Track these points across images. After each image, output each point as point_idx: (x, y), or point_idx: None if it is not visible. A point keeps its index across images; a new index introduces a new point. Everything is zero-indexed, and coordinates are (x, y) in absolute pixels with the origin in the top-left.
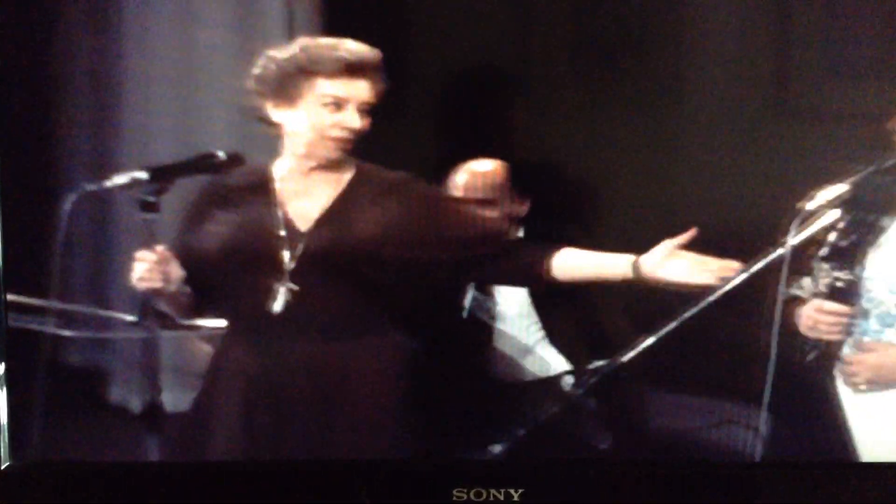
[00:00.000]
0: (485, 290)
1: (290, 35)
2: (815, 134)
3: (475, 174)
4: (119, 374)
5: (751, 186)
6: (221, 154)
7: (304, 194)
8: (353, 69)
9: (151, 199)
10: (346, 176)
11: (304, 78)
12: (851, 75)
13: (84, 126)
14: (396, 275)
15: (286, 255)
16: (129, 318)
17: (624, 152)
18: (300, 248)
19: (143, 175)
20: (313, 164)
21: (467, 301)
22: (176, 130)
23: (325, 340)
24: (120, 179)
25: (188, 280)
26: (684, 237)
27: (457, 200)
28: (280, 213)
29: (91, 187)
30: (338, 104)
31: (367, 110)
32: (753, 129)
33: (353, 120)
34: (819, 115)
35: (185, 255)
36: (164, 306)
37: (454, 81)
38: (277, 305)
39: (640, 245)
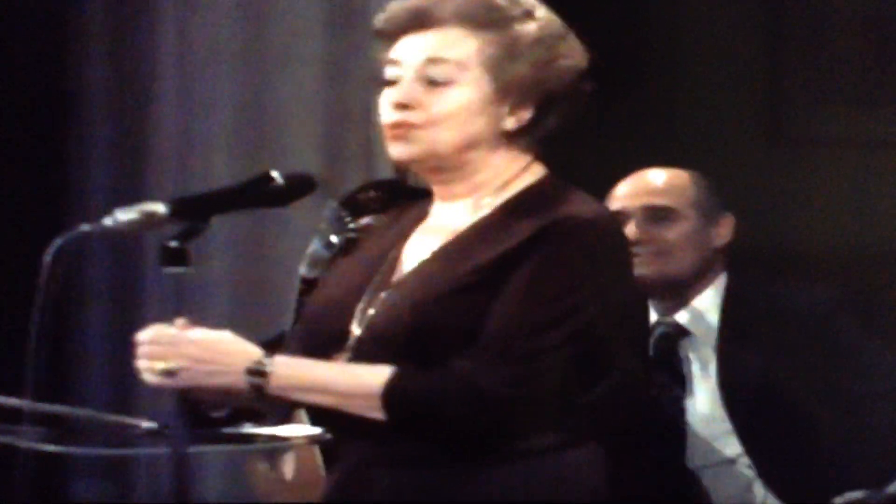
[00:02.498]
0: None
1: None
2: (806, 159)
3: None
4: None
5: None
6: (278, 177)
7: (426, 233)
8: (422, 21)
9: (174, 244)
10: (491, 206)
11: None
12: (842, 102)
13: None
14: None
15: (356, 318)
16: (147, 424)
17: (617, 176)
18: (368, 314)
19: (160, 209)
20: (435, 191)
21: None
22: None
23: (407, 466)
24: (125, 215)
25: None
26: None
27: None
28: (390, 259)
29: (85, 228)
30: (397, 76)
31: (447, 80)
32: (745, 155)
33: (398, 91)
34: (810, 141)
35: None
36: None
37: None
38: None
39: None
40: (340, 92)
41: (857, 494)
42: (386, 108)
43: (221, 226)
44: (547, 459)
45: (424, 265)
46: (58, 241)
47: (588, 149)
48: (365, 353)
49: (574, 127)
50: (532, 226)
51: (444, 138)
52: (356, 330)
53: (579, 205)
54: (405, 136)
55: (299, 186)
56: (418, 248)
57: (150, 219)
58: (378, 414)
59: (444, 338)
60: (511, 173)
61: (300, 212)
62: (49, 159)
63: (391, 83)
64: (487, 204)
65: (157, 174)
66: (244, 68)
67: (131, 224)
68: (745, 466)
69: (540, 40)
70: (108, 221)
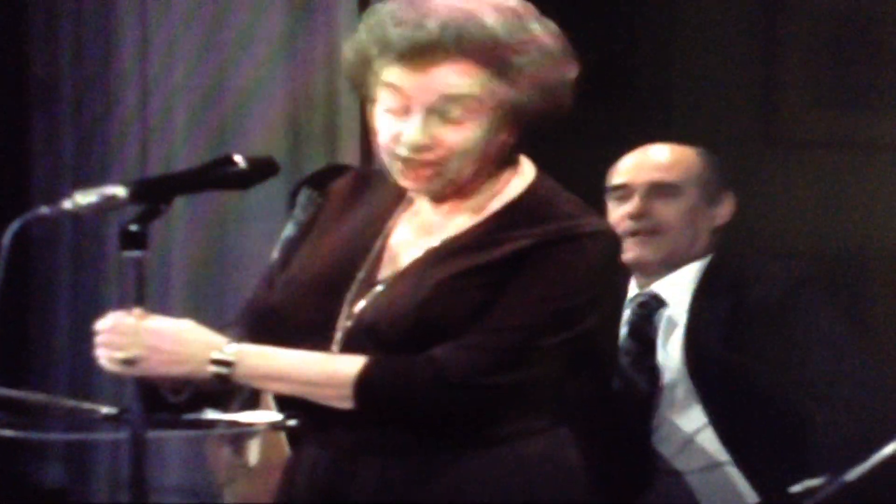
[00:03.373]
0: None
1: None
2: (800, 161)
3: None
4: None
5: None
6: (240, 160)
7: (415, 230)
8: (422, 50)
9: (134, 228)
10: (489, 210)
11: (371, 63)
12: (836, 104)
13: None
14: None
15: (343, 314)
16: (106, 409)
17: None
18: (356, 309)
19: (119, 191)
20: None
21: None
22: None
23: (396, 455)
24: (85, 198)
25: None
26: None
27: None
28: (376, 249)
29: (44, 210)
30: (402, 106)
31: (460, 117)
32: (739, 157)
33: (415, 131)
34: (804, 143)
35: (261, 298)
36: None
37: None
38: None
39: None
40: (303, 74)
41: (815, 482)
42: (397, 143)
43: (182, 210)
44: (527, 443)
45: (420, 263)
46: (15, 224)
47: (583, 150)
48: (355, 345)
49: (569, 128)
50: (535, 233)
51: (461, 169)
52: (344, 322)
53: (581, 215)
54: (432, 177)
55: (261, 169)
56: (408, 245)
57: (109, 201)
58: (347, 403)
59: (443, 336)
60: (505, 176)
61: (259, 196)
62: (12, 147)
63: (391, 108)
64: (483, 207)
65: (118, 159)
66: (205, 51)
67: (90, 207)
68: (729, 466)
69: (540, 68)
70: (67, 204)
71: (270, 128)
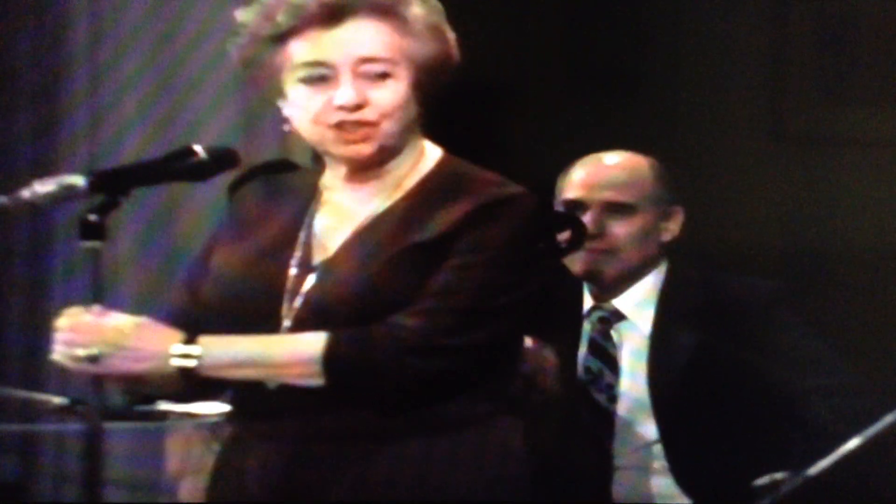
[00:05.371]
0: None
1: None
2: (809, 158)
3: None
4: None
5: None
6: (201, 151)
7: (338, 215)
8: (334, 14)
9: (93, 218)
10: (408, 185)
11: (274, 46)
12: (845, 101)
13: None
14: None
15: (286, 300)
16: (59, 400)
17: None
18: (299, 297)
19: (78, 181)
20: (347, 173)
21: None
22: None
23: (348, 440)
24: (44, 187)
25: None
26: None
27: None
28: (301, 241)
29: (2, 200)
30: (322, 76)
31: (382, 74)
32: (748, 153)
33: (347, 91)
34: (814, 139)
35: (186, 302)
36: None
37: (450, 99)
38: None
39: None
40: None
41: (779, 476)
42: (329, 111)
43: (132, 203)
44: (479, 429)
45: (350, 244)
46: None
47: (590, 147)
48: (305, 329)
49: (576, 124)
50: (466, 201)
51: (393, 130)
52: (289, 309)
53: (501, 182)
54: (369, 136)
55: (221, 161)
56: (332, 229)
57: (68, 191)
58: (317, 380)
59: (394, 310)
60: (414, 155)
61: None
62: None
63: (313, 82)
64: (399, 185)
65: (70, 151)
66: (157, 42)
67: (49, 196)
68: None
69: (432, 21)
70: (25, 194)
71: (223, 117)
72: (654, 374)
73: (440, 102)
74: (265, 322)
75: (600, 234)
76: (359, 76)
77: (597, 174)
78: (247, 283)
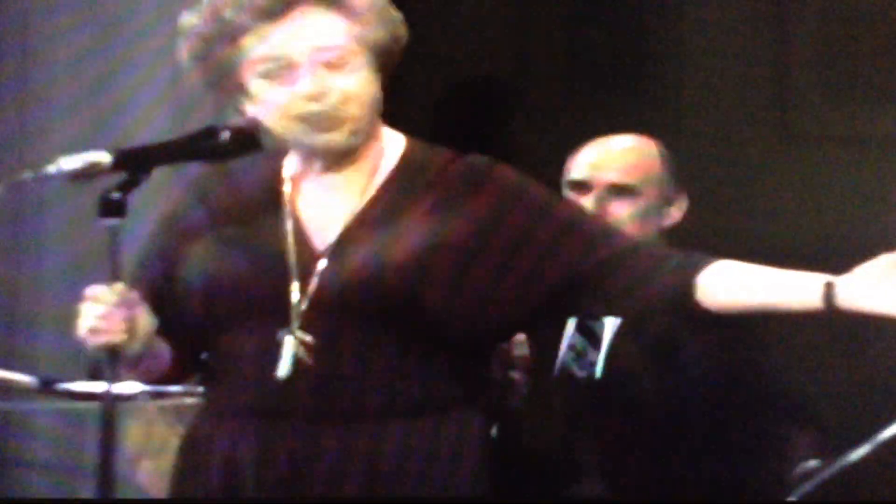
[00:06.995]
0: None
1: None
2: (815, 156)
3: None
4: None
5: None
6: (225, 132)
7: (322, 203)
8: (280, 6)
9: (116, 196)
10: (385, 168)
11: (225, 44)
12: (851, 99)
13: None
14: (461, 315)
15: (295, 290)
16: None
17: None
18: (314, 281)
19: (104, 158)
20: (322, 162)
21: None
22: None
23: (359, 421)
24: (69, 164)
25: (164, 331)
26: None
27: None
28: (289, 228)
29: (28, 175)
30: (282, 69)
31: (341, 62)
32: (754, 151)
33: (309, 81)
34: (819, 137)
35: (159, 293)
36: (124, 370)
37: (452, 93)
38: (283, 368)
39: None
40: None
41: (812, 464)
42: (295, 102)
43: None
44: (436, 416)
45: (353, 232)
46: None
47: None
48: (322, 314)
49: (579, 121)
50: (456, 170)
51: (360, 116)
52: (300, 296)
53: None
54: (338, 124)
55: (243, 142)
56: (327, 217)
57: (93, 168)
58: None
59: (430, 295)
60: (380, 139)
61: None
62: None
63: (273, 76)
64: (376, 167)
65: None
66: (90, 39)
67: (74, 172)
68: None
69: (376, 4)
70: (51, 169)
71: (158, 107)
72: (610, 356)
73: (441, 98)
74: (274, 305)
75: (602, 214)
76: (318, 66)
77: (603, 156)
78: (248, 271)
